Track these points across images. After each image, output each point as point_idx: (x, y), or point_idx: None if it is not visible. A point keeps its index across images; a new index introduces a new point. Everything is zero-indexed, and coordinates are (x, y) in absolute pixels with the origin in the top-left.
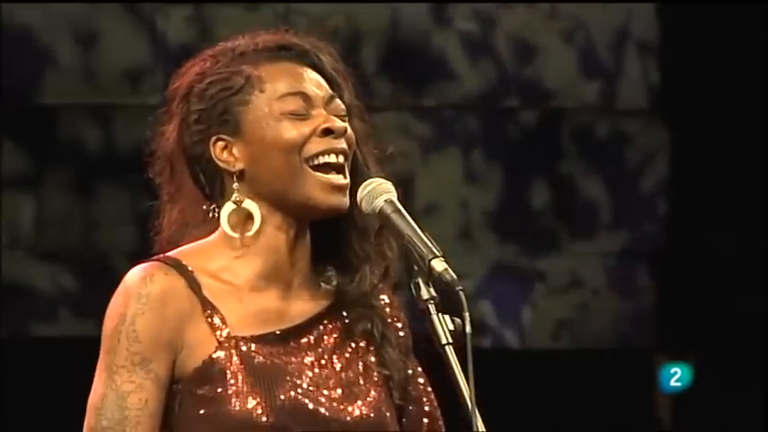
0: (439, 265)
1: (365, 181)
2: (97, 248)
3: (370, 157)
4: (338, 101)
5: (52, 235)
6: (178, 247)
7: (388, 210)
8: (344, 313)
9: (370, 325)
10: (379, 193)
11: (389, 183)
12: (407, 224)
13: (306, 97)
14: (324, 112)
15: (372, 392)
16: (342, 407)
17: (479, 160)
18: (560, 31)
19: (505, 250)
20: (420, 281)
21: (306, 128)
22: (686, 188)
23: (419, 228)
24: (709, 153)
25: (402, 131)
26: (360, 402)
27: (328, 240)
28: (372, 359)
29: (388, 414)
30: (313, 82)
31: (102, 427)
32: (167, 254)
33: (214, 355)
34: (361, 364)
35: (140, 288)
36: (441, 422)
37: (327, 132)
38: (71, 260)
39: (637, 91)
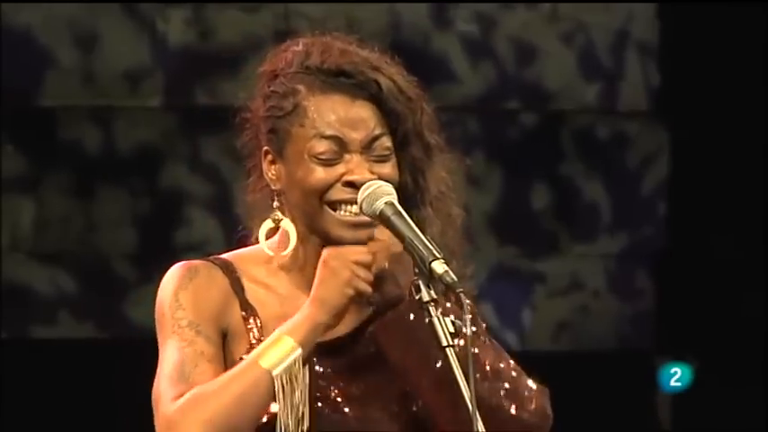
0: (439, 267)
1: (419, 214)
2: (97, 251)
3: (424, 188)
4: (383, 139)
5: (52, 237)
6: (258, 211)
7: (389, 212)
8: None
9: None
10: (379, 195)
11: (390, 185)
12: (408, 226)
13: (340, 142)
14: (359, 156)
15: (407, 401)
16: (371, 417)
17: (479, 162)
18: (560, 32)
19: (506, 252)
20: (421, 283)
21: (333, 173)
22: (686, 190)
23: (420, 230)
24: (709, 154)
25: None
26: (391, 412)
27: None
28: None
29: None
30: (356, 122)
31: (165, 386)
32: (218, 256)
33: (244, 357)
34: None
35: (184, 274)
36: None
37: (351, 185)
38: (71, 262)
39: (637, 93)
